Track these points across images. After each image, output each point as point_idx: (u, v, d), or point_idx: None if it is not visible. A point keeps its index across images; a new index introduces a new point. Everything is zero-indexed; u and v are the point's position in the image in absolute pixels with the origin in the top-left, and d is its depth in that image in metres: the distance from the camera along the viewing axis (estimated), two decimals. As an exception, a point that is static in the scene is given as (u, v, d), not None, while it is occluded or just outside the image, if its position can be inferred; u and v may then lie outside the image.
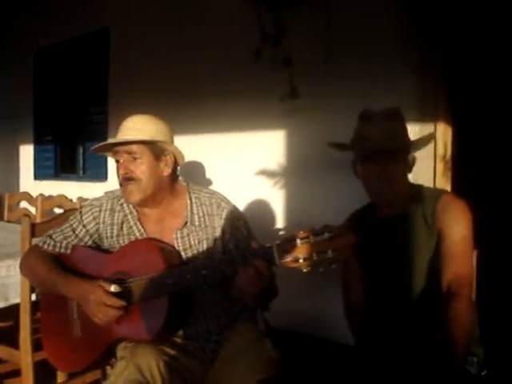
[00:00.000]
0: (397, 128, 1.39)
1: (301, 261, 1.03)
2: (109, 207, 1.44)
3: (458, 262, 1.28)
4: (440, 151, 2.25)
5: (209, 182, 3.06)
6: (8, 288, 1.83)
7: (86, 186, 3.88)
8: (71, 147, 4.27)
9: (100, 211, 1.44)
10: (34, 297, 1.71)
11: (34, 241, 1.62)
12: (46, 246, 1.45)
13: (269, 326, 1.43)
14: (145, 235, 1.39)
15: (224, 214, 1.40)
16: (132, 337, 1.29)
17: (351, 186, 1.55)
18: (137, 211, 1.42)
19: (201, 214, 1.40)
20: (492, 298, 2.07)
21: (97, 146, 1.41)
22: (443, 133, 2.25)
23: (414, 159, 1.44)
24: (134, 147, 1.34)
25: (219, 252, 1.38)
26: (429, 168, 2.24)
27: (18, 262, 1.57)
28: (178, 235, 1.38)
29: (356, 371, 1.33)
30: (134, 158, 1.34)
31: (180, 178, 1.48)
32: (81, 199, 2.67)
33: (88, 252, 1.44)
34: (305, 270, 1.04)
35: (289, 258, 1.05)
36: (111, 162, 3.58)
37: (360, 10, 2.37)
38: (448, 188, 2.25)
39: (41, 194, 2.96)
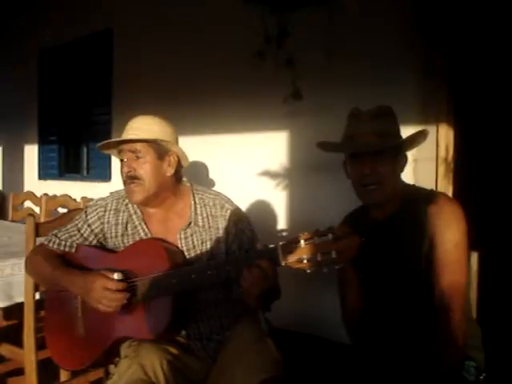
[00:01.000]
0: (385, 126, 1.31)
1: (305, 261, 1.04)
2: (114, 207, 1.46)
3: (451, 272, 1.23)
4: (442, 153, 2.25)
5: (212, 183, 3.07)
6: (12, 287, 1.85)
7: (89, 185, 3.89)
8: (75, 147, 4.28)
9: (105, 211, 1.46)
10: (37, 295, 1.72)
11: (39, 240, 1.63)
12: (51, 245, 1.47)
13: (271, 326, 1.44)
14: (149, 235, 1.41)
15: (228, 216, 1.41)
16: (136, 335, 1.29)
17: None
18: (141, 211, 1.43)
19: (204, 215, 1.41)
20: (492, 299, 2.07)
21: (102, 143, 1.42)
22: (445, 135, 2.25)
23: (406, 159, 1.38)
24: (138, 146, 1.35)
25: (222, 253, 1.39)
26: (431, 170, 2.24)
27: (22, 261, 1.58)
28: (182, 235, 1.39)
29: (355, 371, 1.33)
30: (138, 157, 1.35)
31: (184, 178, 1.49)
32: (85, 199, 2.68)
33: (92, 251, 1.45)
34: (309, 271, 1.05)
35: (293, 259, 1.06)
36: (115, 163, 3.59)
37: (362, 12, 2.38)
38: (450, 190, 2.25)
39: (45, 194, 2.97)
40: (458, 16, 2.21)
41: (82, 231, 1.46)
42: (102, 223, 1.45)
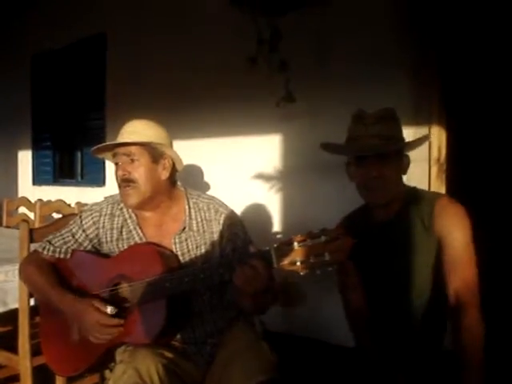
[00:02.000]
0: (389, 129, 1.34)
1: (298, 264, 1.04)
2: (108, 212, 1.46)
3: (464, 270, 1.25)
4: (434, 154, 2.26)
5: (206, 187, 3.07)
6: (7, 293, 1.84)
7: (84, 191, 3.89)
8: (69, 152, 4.28)
9: (100, 216, 1.46)
10: (32, 302, 1.71)
11: (33, 246, 1.62)
12: (45, 252, 1.46)
13: (265, 329, 1.44)
14: (144, 239, 1.40)
15: (222, 220, 1.41)
16: (131, 340, 1.29)
17: (349, 190, 1.56)
18: (136, 216, 1.43)
19: (199, 220, 1.42)
20: (493, 300, 2.08)
21: (97, 146, 1.42)
22: (437, 136, 2.27)
23: (408, 161, 1.41)
24: (133, 149, 1.35)
25: (217, 257, 1.39)
26: (423, 171, 2.26)
27: (16, 267, 1.57)
28: (176, 240, 1.39)
29: (354, 374, 1.33)
30: (133, 160, 1.35)
31: (178, 183, 1.49)
32: (79, 204, 2.68)
33: (87, 257, 1.45)
34: (302, 273, 1.05)
35: (286, 261, 1.06)
36: (109, 167, 3.59)
37: (356, 14, 2.40)
38: (442, 191, 2.27)
39: (39, 200, 2.96)
40: (450, 17, 2.24)
41: (76, 236, 1.46)
42: (97, 228, 1.45)
